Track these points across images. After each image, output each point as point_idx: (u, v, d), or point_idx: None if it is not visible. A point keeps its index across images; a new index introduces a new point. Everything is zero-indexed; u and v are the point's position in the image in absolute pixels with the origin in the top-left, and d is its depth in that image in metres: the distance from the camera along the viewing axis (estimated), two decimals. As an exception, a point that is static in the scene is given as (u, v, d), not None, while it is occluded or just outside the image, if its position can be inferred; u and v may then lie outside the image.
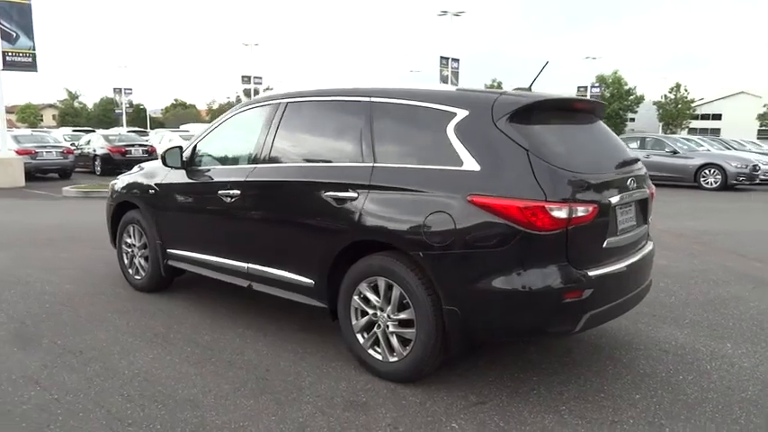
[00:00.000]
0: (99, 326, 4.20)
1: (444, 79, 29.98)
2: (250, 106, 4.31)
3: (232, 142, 4.48)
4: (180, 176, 4.52)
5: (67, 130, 30.94)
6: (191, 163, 4.48)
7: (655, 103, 62.02)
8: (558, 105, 3.25)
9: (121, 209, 5.19)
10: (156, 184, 4.71)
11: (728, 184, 14.84)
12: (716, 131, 66.49)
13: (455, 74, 30.70)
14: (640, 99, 61.37)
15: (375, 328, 3.33)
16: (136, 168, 5.35)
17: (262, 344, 3.87)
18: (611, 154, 3.33)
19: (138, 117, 66.77)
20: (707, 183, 15.05)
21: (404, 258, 3.14)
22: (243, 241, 4.03)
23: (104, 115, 69.47)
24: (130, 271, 5.15)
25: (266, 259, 3.88)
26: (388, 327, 3.26)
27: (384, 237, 3.19)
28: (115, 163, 18.60)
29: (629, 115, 61.89)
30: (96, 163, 19.08)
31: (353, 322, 3.43)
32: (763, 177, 15.24)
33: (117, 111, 54.97)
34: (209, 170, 4.38)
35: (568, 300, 2.84)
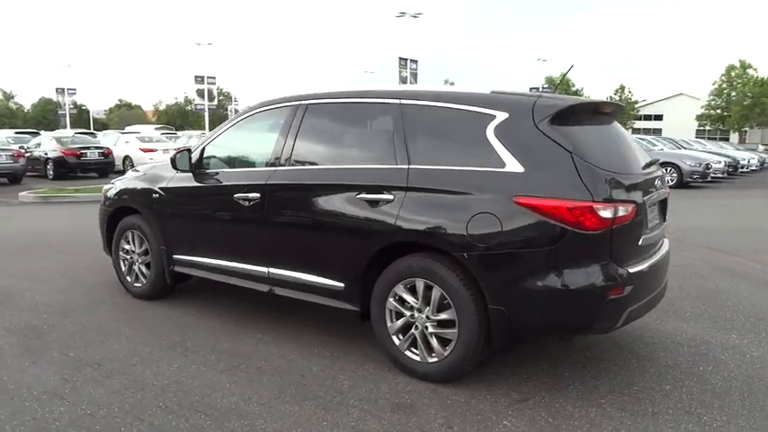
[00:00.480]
0: (109, 336, 4.04)
1: (403, 80, 30.20)
2: (264, 108, 4.24)
3: (246, 145, 4.40)
4: (188, 180, 4.39)
5: (9, 133, 29.44)
6: (199, 166, 4.36)
7: (601, 105, 64.03)
8: (589, 108, 3.35)
9: (118, 214, 5.00)
10: (160, 189, 4.57)
11: (683, 182, 15.55)
12: (658, 131, 69.36)
13: (414, 75, 30.98)
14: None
15: (413, 330, 3.34)
16: (132, 172, 5.18)
17: (286, 349, 3.81)
18: (635, 155, 3.46)
19: (81, 118, 64.15)
20: (661, 181, 15.68)
21: (445, 259, 3.17)
22: (263, 245, 3.96)
23: (43, 117, 66.43)
24: (129, 278, 4.97)
25: (290, 263, 3.83)
26: (426, 328, 3.28)
27: (425, 238, 3.21)
28: (69, 166, 17.88)
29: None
30: (48, 167, 18.26)
31: (388, 324, 3.43)
32: (713, 176, 16.03)
33: (60, 112, 52.61)
34: (221, 173, 4.28)
35: (612, 297, 2.93)
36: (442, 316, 3.21)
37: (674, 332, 4.18)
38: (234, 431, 2.80)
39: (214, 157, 4.41)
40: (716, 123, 58.24)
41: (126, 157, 20.21)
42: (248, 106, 4.49)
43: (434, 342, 3.26)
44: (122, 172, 19.65)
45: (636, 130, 68.11)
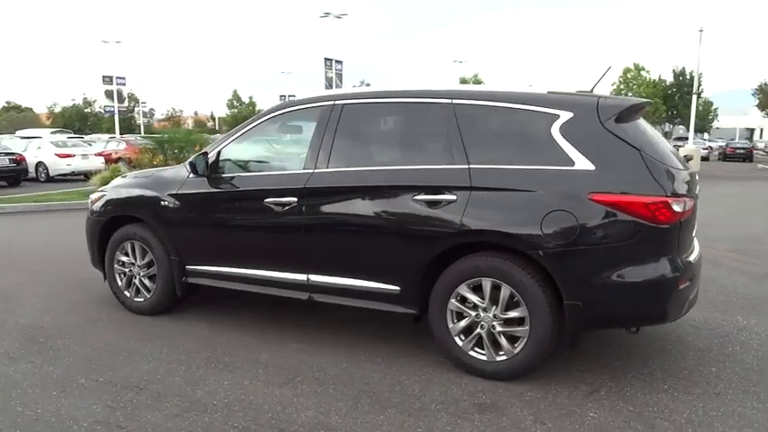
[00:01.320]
0: (132, 357, 3.73)
1: (329, 81, 30.02)
2: (288, 110, 4.07)
3: (272, 147, 4.20)
4: (203, 185, 4.13)
5: None
6: (215, 171, 4.11)
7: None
8: (640, 107, 3.49)
9: (111, 224, 4.62)
10: (171, 195, 4.26)
11: None
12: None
13: (339, 75, 30.86)
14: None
15: (478, 329, 3.33)
16: (123, 179, 4.80)
17: (332, 357, 3.68)
18: (674, 152, 3.65)
19: (-35, 122, 58.50)
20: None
21: (515, 258, 3.19)
22: (302, 252, 3.79)
23: None
24: (127, 293, 4.60)
25: (335, 269, 3.70)
26: (494, 327, 3.28)
27: (497, 238, 3.22)
28: (-25, 175, 16.26)
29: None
30: (-50, 176, 16.50)
31: (450, 325, 3.41)
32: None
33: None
34: (243, 177, 4.07)
35: (680, 287, 3.08)
36: (511, 314, 3.23)
37: (687, 317, 4.44)
38: (329, 446, 2.68)
39: (233, 160, 4.18)
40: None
41: (39, 164, 18.66)
42: (268, 108, 4.29)
43: (503, 341, 3.27)
44: (35, 180, 18.21)
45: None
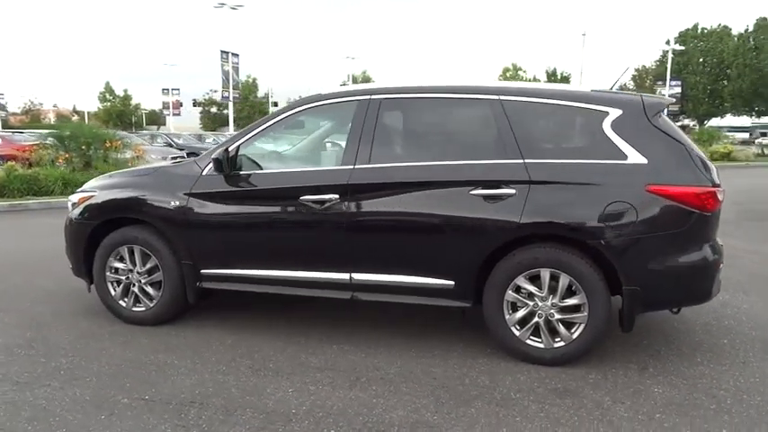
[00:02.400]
0: (164, 371, 3.42)
1: (226, 74, 28.90)
2: (316, 104, 3.90)
3: (301, 143, 4.01)
4: (222, 183, 3.87)
5: None
6: (234, 167, 3.86)
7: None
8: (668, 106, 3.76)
9: (102, 228, 4.18)
10: (185, 195, 3.94)
11: None
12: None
13: (236, 69, 29.81)
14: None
15: (536, 318, 3.45)
16: (119, 178, 4.36)
17: (384, 355, 3.63)
18: None
19: None
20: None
21: (573, 248, 3.35)
22: (344, 250, 3.69)
23: None
24: (123, 302, 4.19)
25: (382, 267, 3.64)
26: (552, 315, 3.42)
27: (560, 229, 3.34)
28: None
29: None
30: None
31: (507, 316, 3.49)
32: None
33: None
34: (274, 174, 3.87)
35: (719, 268, 3.40)
36: (569, 302, 3.39)
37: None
38: (442, 443, 2.66)
39: (256, 156, 3.96)
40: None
41: None
42: (293, 102, 4.09)
43: (561, 328, 3.42)
44: None
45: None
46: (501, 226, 3.40)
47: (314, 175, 3.78)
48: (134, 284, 4.15)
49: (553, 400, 3.07)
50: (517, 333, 3.49)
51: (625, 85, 57.82)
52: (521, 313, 3.48)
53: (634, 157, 3.31)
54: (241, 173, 3.85)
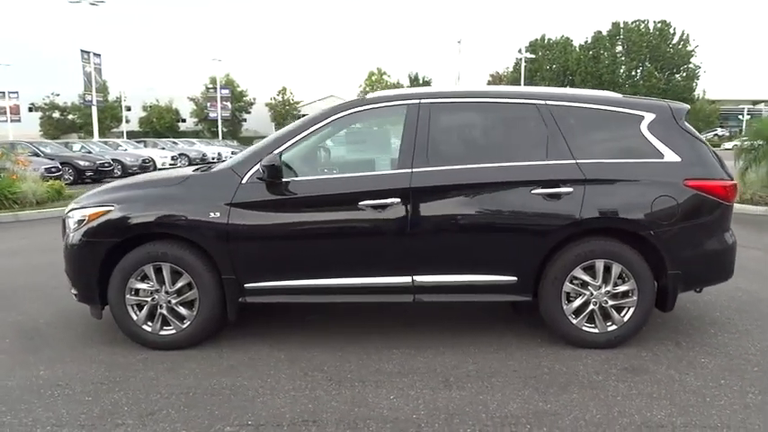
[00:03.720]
0: (244, 394, 3.21)
1: (88, 76, 26.40)
2: (360, 109, 3.87)
3: (350, 147, 3.93)
4: (268, 191, 3.70)
5: None
6: (278, 175, 3.70)
7: (266, 105, 67.30)
8: None
9: (118, 246, 3.77)
10: (226, 205, 3.69)
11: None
12: (316, 130, 76.65)
13: (98, 70, 27.35)
14: (252, 101, 65.57)
15: (591, 306, 3.74)
16: (139, 190, 3.96)
17: (449, 355, 3.70)
18: None
19: None
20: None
21: (623, 239, 3.69)
22: (407, 253, 3.70)
23: None
24: (148, 327, 3.82)
25: (445, 267, 3.72)
26: (606, 302, 3.73)
27: (617, 223, 3.66)
28: None
29: (244, 116, 65.41)
30: None
31: (564, 306, 3.74)
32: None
33: None
34: (328, 180, 3.77)
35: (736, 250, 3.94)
36: (620, 288, 3.72)
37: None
38: (565, 427, 2.82)
39: (301, 163, 3.82)
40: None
41: None
42: (335, 107, 3.98)
43: (614, 313, 3.75)
44: None
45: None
46: (563, 222, 3.64)
47: (373, 180, 3.75)
48: (161, 306, 3.80)
49: (632, 377, 3.36)
50: (574, 321, 3.75)
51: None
52: (577, 302, 3.74)
53: (669, 155, 3.73)
54: (291, 180, 3.70)
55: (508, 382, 3.31)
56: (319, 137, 3.89)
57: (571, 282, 3.72)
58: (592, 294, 3.73)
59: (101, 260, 3.78)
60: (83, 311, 4.24)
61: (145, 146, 28.17)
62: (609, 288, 3.71)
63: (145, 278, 3.79)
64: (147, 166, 21.91)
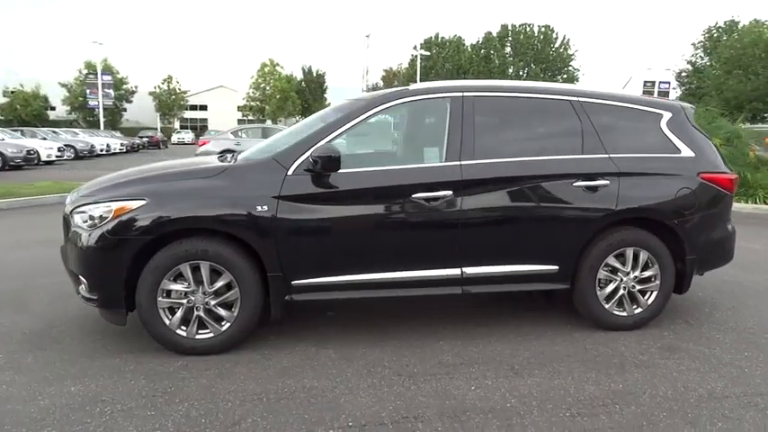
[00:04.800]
0: (325, 396, 3.08)
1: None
2: (406, 99, 3.81)
3: (394, 139, 3.84)
4: (318, 183, 3.55)
5: None
6: (336, 166, 3.57)
7: (150, 94, 63.25)
8: None
9: (149, 244, 3.45)
10: (274, 198, 3.48)
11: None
12: (204, 121, 73.42)
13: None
14: (134, 90, 61.24)
15: (621, 290, 4.00)
16: (173, 180, 3.64)
17: (501, 344, 3.77)
18: None
19: None
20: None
21: (650, 228, 3.97)
22: (457, 245, 3.72)
23: None
24: (182, 331, 3.53)
25: (492, 258, 3.79)
26: (634, 287, 4.01)
27: (648, 213, 3.92)
28: None
29: (125, 105, 60.93)
30: None
31: (598, 292, 3.97)
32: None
33: None
34: (380, 172, 3.68)
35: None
36: (646, 274, 4.01)
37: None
38: (647, 404, 3.02)
39: (347, 154, 3.70)
40: (257, 114, 65.43)
41: None
42: (376, 98, 3.86)
43: (640, 297, 4.03)
44: None
45: (185, 120, 70.35)
46: (602, 213, 3.85)
47: (425, 172, 3.72)
48: (198, 308, 3.52)
49: (671, 355, 3.65)
50: (606, 306, 3.99)
51: (376, 84, 62.92)
52: (609, 288, 3.98)
53: (685, 150, 4.07)
54: (348, 171, 3.57)
55: (570, 367, 3.46)
56: (360, 130, 3.78)
57: (604, 269, 3.95)
58: (621, 280, 3.98)
59: (130, 260, 3.42)
60: (84, 316, 3.82)
61: (22, 134, 25.41)
62: (636, 273, 3.98)
63: (178, 278, 3.48)
64: (31, 157, 19.78)
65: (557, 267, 3.87)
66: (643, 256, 3.97)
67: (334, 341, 3.79)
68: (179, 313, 3.51)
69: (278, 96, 62.83)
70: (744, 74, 39.43)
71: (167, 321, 3.50)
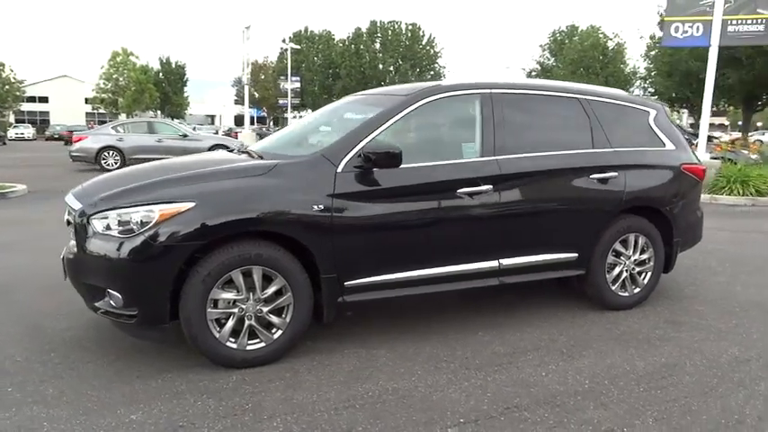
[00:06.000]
0: (423, 393, 3.04)
1: None
2: (442, 95, 3.82)
3: (435, 136, 3.86)
4: (369, 180, 3.46)
5: None
6: (398, 162, 3.48)
7: (-24, 82, 55.37)
8: None
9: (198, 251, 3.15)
10: (329, 196, 3.34)
11: None
12: (45, 114, 65.99)
13: None
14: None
15: (625, 273, 4.38)
16: (220, 179, 3.32)
17: (536, 332, 3.96)
18: None
19: None
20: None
21: (646, 215, 4.40)
22: (495, 238, 3.84)
23: None
24: (231, 343, 3.27)
25: (525, 249, 3.95)
26: (633, 269, 4.41)
27: (649, 202, 4.33)
28: None
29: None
30: None
31: (607, 276, 4.32)
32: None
33: None
34: (428, 168, 3.66)
35: None
36: (644, 257, 4.44)
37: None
38: (694, 372, 3.39)
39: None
40: (109, 107, 59.97)
41: None
42: (413, 93, 3.80)
43: (638, 278, 4.45)
44: None
45: (21, 113, 62.67)
46: (613, 203, 4.19)
47: (468, 167, 3.76)
48: (249, 316, 3.28)
49: (680, 328, 4.08)
50: (613, 288, 4.35)
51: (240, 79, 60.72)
52: (615, 271, 4.35)
53: (669, 144, 4.56)
54: (405, 167, 3.52)
55: (609, 346, 3.73)
56: (402, 126, 3.74)
57: (612, 254, 4.30)
58: (624, 264, 4.36)
59: (179, 269, 3.09)
60: (77, 338, 3.40)
61: None
62: (636, 257, 4.39)
63: (227, 285, 3.21)
64: None
65: (576, 255, 4.14)
66: (642, 240, 4.38)
67: (377, 341, 3.72)
68: (229, 324, 3.24)
69: (133, 88, 58.20)
70: (585, 73, 44.11)
71: (216, 334, 3.21)
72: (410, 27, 45.73)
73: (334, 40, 51.28)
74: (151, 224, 3.06)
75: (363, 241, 3.48)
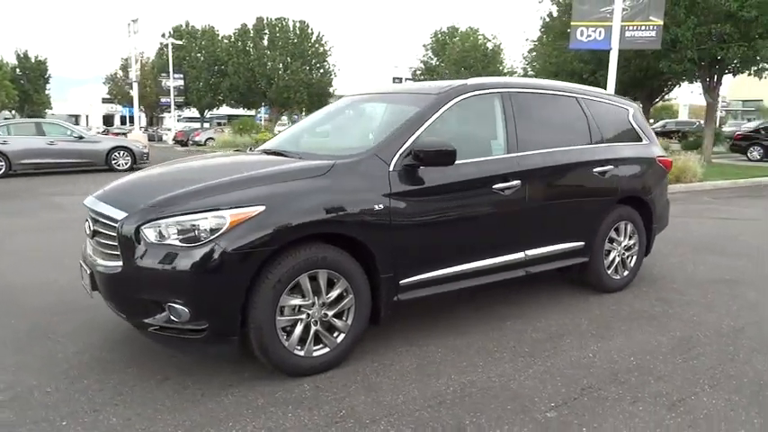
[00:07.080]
0: (495, 393, 3.14)
1: None
2: (467, 95, 3.90)
3: (467, 132, 3.93)
4: (418, 178, 3.50)
5: None
6: (452, 159, 3.52)
7: None
8: None
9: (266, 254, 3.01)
10: (385, 196, 3.32)
11: (137, 164, 15.91)
12: None
13: None
14: None
15: (618, 258, 4.78)
16: (284, 181, 3.19)
17: (552, 319, 4.21)
18: None
19: None
20: (118, 164, 15.71)
21: (632, 205, 4.83)
22: (523, 230, 4.03)
23: None
24: (299, 350, 3.16)
25: (545, 240, 4.19)
26: (624, 254, 4.83)
27: (635, 192, 4.75)
28: None
29: None
30: None
31: (605, 261, 4.69)
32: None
33: None
34: (470, 164, 3.75)
35: None
36: (631, 242, 4.87)
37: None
38: (711, 342, 3.81)
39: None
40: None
41: None
42: (445, 92, 3.85)
43: (627, 262, 4.88)
44: None
45: None
46: (612, 194, 4.57)
47: (501, 163, 3.90)
48: (316, 321, 3.19)
49: (672, 305, 4.52)
50: (609, 272, 4.73)
51: (115, 74, 56.50)
52: (610, 257, 4.73)
53: (645, 139, 5.04)
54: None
55: (627, 325, 4.06)
56: (440, 123, 3.79)
57: (608, 241, 4.67)
58: (617, 250, 4.76)
59: (251, 277, 2.93)
60: (114, 350, 3.12)
61: None
62: (626, 243, 4.81)
63: (298, 291, 3.11)
64: None
65: (583, 243, 4.46)
66: (630, 227, 4.81)
67: (414, 337, 3.76)
68: (297, 330, 3.13)
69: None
70: (468, 73, 46.30)
71: (285, 342, 3.09)
72: (298, 24, 45.18)
73: (218, 36, 49.32)
74: (222, 231, 2.87)
75: (418, 239, 3.51)
